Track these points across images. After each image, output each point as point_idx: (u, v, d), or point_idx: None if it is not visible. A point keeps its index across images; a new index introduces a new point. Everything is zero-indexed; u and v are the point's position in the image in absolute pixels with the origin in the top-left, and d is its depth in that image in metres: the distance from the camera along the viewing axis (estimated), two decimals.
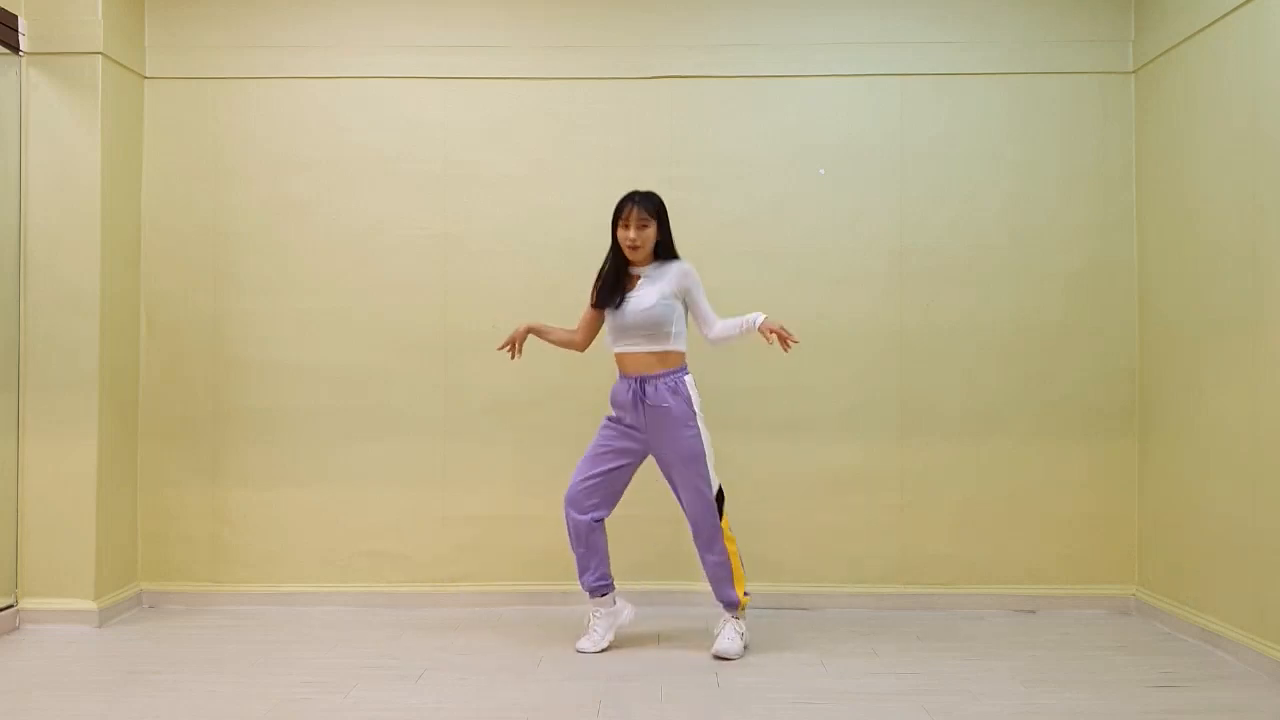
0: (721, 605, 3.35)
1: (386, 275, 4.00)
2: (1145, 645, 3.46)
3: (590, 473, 3.33)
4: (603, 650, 3.33)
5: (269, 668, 3.16)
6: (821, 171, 4.00)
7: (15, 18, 3.65)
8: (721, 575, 3.30)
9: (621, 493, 3.39)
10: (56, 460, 3.66)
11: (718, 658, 3.25)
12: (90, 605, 3.65)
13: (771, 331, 3.21)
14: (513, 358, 3.45)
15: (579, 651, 3.32)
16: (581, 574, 3.35)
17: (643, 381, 3.27)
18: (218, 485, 3.99)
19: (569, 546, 3.36)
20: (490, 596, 3.97)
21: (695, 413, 3.27)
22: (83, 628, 3.62)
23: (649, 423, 3.28)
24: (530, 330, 3.46)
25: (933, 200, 3.98)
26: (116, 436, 3.81)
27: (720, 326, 3.32)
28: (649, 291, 3.30)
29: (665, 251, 3.37)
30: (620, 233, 3.33)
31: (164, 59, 4.00)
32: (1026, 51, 3.96)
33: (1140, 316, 3.94)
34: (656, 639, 3.50)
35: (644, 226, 3.31)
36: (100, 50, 3.68)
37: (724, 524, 3.30)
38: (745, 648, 3.32)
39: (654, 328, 3.26)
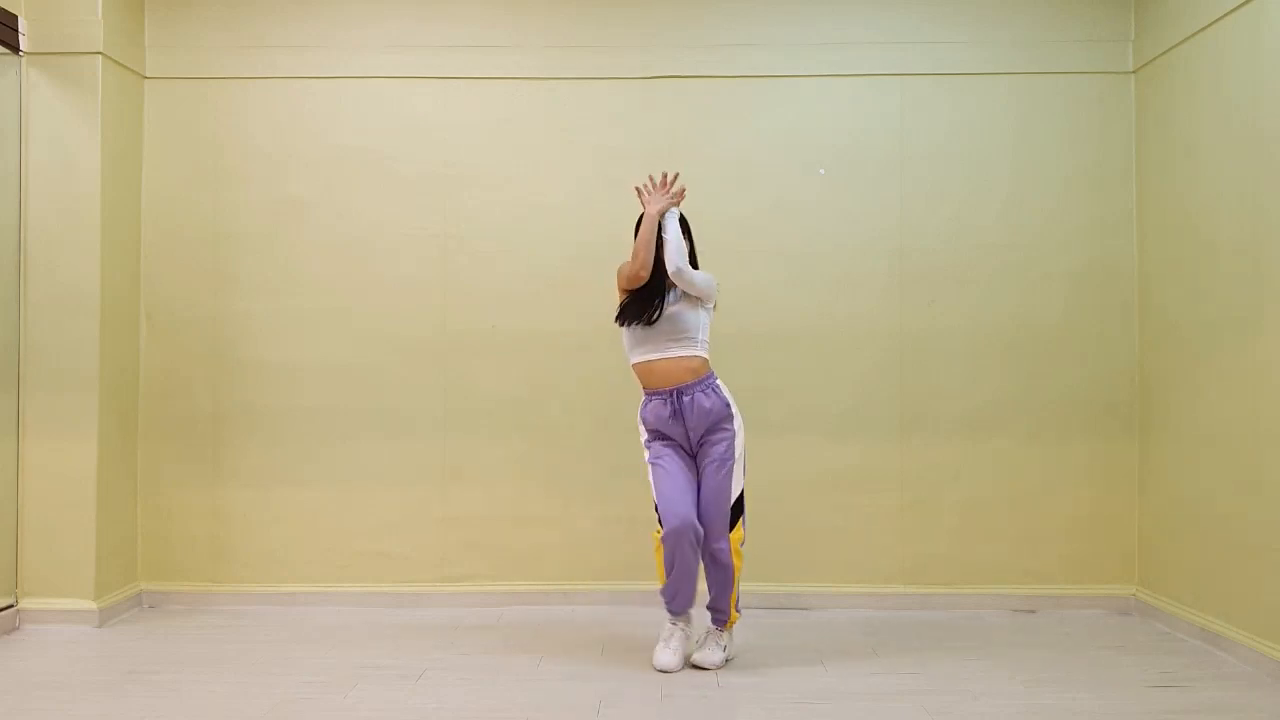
0: (710, 616, 3.24)
1: (386, 275, 4.00)
2: (1145, 645, 3.46)
3: (690, 500, 3.11)
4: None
5: (269, 668, 3.16)
6: (822, 171, 4.00)
7: (15, 18, 3.65)
8: (722, 586, 3.19)
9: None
10: (56, 460, 3.67)
11: (695, 666, 3.16)
12: (90, 605, 3.65)
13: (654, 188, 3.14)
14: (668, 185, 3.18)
15: (664, 670, 3.14)
16: (675, 598, 3.18)
17: (679, 393, 3.15)
18: (218, 485, 3.99)
19: (666, 575, 3.14)
20: (490, 596, 3.97)
21: (733, 414, 3.18)
22: (83, 628, 3.62)
23: (692, 427, 3.17)
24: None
25: (933, 200, 3.98)
26: (116, 436, 3.81)
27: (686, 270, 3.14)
28: (674, 293, 3.21)
29: (694, 262, 3.29)
30: None
31: (164, 59, 4.00)
32: (1026, 51, 3.96)
33: (1140, 316, 3.94)
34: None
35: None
36: (100, 50, 3.68)
37: (736, 536, 3.16)
38: (726, 660, 3.21)
39: (679, 331, 3.16)
